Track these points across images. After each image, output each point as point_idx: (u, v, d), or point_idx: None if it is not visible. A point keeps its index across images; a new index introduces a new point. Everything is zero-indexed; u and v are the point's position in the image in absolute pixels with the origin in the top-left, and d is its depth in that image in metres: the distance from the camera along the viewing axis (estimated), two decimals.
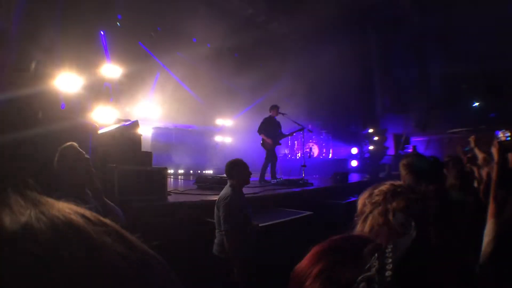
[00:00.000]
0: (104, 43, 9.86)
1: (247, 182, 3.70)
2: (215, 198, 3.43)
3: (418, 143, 14.13)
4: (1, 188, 0.42)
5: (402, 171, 2.40)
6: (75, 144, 2.45)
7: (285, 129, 8.44)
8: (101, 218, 0.45)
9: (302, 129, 8.18)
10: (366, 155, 13.78)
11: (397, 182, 1.32)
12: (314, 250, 0.61)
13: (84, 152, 2.47)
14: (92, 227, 0.41)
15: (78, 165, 2.38)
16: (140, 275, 0.43)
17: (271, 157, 8.10)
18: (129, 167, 4.26)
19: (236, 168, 3.59)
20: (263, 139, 8.10)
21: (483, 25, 11.69)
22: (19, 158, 3.43)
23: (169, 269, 0.48)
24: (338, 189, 7.69)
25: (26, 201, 0.41)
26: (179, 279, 0.48)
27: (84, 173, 2.41)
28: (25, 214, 0.38)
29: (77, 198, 2.19)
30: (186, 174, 10.71)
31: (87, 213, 0.43)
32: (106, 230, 0.43)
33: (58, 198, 0.44)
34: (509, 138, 7.92)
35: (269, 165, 8.14)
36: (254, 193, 5.52)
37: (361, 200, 1.31)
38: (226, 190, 3.52)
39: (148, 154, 5.43)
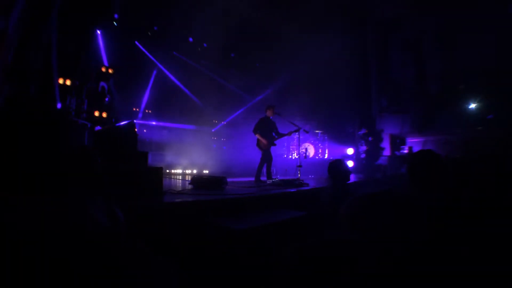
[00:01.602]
0: (101, 43, 9.85)
1: (348, 178, 4.19)
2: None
3: (415, 144, 14.17)
4: None
5: None
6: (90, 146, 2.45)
7: (280, 129, 8.45)
8: None
9: (298, 129, 8.19)
10: (362, 156, 13.81)
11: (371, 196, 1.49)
12: None
13: (96, 155, 2.45)
14: None
15: (92, 168, 2.36)
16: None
17: (266, 157, 8.11)
18: (124, 167, 4.27)
19: (337, 167, 4.10)
20: (258, 139, 8.11)
21: (482, 25, 11.74)
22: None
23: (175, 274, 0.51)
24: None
25: None
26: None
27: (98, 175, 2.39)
28: None
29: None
30: (181, 174, 10.71)
31: None
32: None
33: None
34: None
35: (265, 165, 8.15)
36: (249, 194, 5.52)
37: (343, 210, 1.44)
38: (331, 187, 4.02)
39: (144, 154, 5.42)
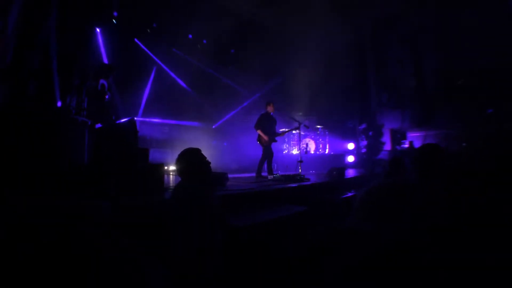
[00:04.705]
0: (100, 41, 9.83)
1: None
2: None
3: (415, 138, 14.15)
4: None
5: None
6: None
7: (281, 124, 8.46)
8: None
9: (299, 125, 8.19)
10: (363, 151, 13.80)
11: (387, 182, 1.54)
12: None
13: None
14: None
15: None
16: None
17: (267, 153, 8.12)
18: (125, 163, 4.27)
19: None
20: (259, 135, 8.12)
21: (479, 21, 11.69)
22: None
23: None
24: (335, 185, 7.70)
25: None
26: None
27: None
28: None
29: None
30: None
31: None
32: None
33: None
34: None
35: (266, 161, 8.17)
36: (251, 189, 5.54)
37: (361, 197, 1.47)
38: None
39: (145, 151, 5.43)
